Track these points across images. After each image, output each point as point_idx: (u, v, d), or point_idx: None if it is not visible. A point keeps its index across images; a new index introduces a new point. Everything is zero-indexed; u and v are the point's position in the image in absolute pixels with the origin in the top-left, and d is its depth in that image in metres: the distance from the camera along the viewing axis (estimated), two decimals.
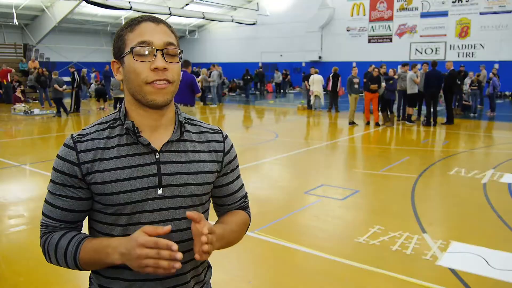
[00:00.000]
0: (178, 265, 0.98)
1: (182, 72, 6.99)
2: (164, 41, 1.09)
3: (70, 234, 1.13)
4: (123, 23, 1.15)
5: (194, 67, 25.24)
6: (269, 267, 3.61)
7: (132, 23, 1.11)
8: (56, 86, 13.67)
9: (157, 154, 1.13)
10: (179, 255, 0.98)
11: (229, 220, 1.27)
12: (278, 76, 24.42)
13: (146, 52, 1.07)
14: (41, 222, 1.17)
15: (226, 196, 1.31)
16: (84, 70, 19.96)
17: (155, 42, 1.08)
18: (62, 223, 1.14)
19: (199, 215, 1.03)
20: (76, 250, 1.09)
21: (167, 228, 1.00)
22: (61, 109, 13.98)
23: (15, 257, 3.76)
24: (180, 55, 1.13)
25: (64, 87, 14.14)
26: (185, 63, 7.48)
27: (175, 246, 0.97)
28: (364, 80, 12.51)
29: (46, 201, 1.15)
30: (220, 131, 1.29)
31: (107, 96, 16.66)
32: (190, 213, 1.03)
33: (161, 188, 1.13)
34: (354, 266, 3.53)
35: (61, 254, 1.11)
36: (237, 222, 1.28)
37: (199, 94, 7.64)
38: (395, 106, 12.62)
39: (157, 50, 1.08)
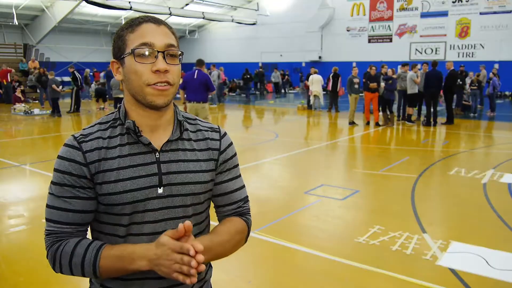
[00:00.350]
0: (193, 271, 0.97)
1: (196, 71, 7.32)
2: (165, 43, 1.09)
3: (85, 241, 1.11)
4: (123, 23, 1.15)
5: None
6: (269, 267, 3.61)
7: (133, 24, 1.11)
8: (54, 86, 13.72)
9: (157, 153, 1.14)
10: (193, 262, 0.97)
11: (220, 231, 1.22)
12: (277, 76, 23.97)
13: (148, 54, 1.07)
14: (47, 230, 1.13)
15: (221, 195, 1.28)
16: (87, 70, 19.90)
17: (156, 43, 1.08)
18: (74, 226, 1.12)
19: (187, 228, 1.01)
20: (95, 258, 1.07)
21: (187, 225, 0.99)
22: (57, 109, 13.98)
23: (15, 257, 3.76)
24: (180, 57, 1.13)
25: (61, 87, 14.16)
26: (199, 62, 7.68)
27: (191, 251, 0.97)
28: (364, 80, 12.52)
29: (51, 206, 1.12)
30: (218, 129, 1.28)
31: (106, 96, 16.62)
32: (181, 225, 1.01)
33: (162, 187, 1.13)
34: (354, 266, 3.53)
35: (78, 262, 1.08)
36: (229, 232, 1.23)
37: (214, 92, 7.82)
38: (395, 106, 12.62)
39: (158, 52, 1.08)
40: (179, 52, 1.12)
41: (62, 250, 1.09)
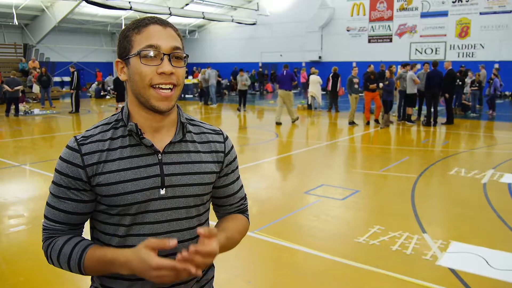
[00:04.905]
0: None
1: (285, 70, 12.16)
2: (171, 46, 1.09)
3: (73, 240, 1.13)
4: (123, 23, 1.16)
5: (194, 67, 25.26)
6: (269, 267, 3.61)
7: (140, 25, 1.11)
8: (5, 86, 13.80)
9: (159, 155, 1.14)
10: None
11: (230, 227, 1.25)
12: (246, 79, 16.41)
13: (154, 56, 1.08)
14: (44, 225, 1.16)
15: (226, 197, 1.31)
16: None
17: (162, 46, 1.08)
18: (66, 225, 1.14)
19: (209, 232, 1.03)
20: (80, 259, 1.09)
21: (174, 243, 0.99)
22: (8, 109, 14.04)
23: (15, 257, 3.76)
24: (185, 59, 1.13)
25: (19, 87, 14.15)
26: (285, 66, 12.38)
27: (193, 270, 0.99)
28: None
29: (48, 204, 1.15)
30: (221, 132, 1.30)
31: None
32: (201, 231, 1.02)
33: (164, 189, 1.13)
34: (354, 266, 3.53)
35: (64, 261, 1.11)
36: (238, 229, 1.27)
37: (295, 82, 12.68)
38: (394, 107, 12.61)
39: (164, 54, 1.08)
40: (184, 55, 1.13)
41: (52, 248, 1.13)
